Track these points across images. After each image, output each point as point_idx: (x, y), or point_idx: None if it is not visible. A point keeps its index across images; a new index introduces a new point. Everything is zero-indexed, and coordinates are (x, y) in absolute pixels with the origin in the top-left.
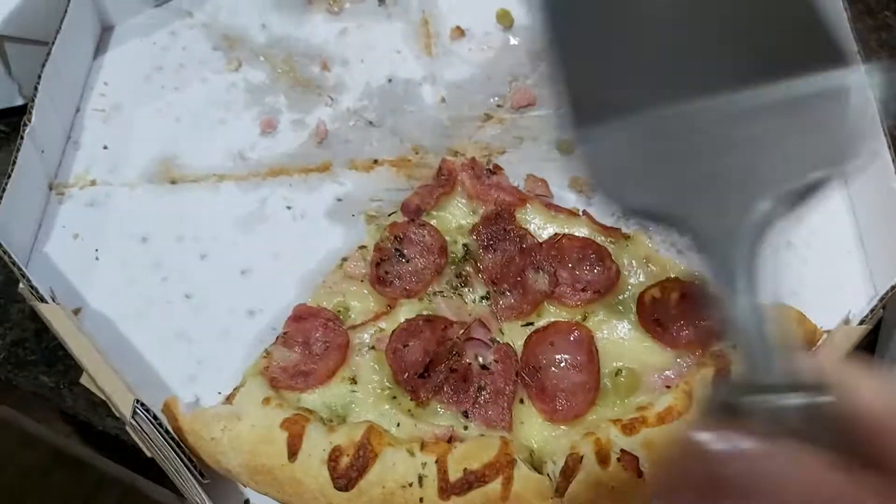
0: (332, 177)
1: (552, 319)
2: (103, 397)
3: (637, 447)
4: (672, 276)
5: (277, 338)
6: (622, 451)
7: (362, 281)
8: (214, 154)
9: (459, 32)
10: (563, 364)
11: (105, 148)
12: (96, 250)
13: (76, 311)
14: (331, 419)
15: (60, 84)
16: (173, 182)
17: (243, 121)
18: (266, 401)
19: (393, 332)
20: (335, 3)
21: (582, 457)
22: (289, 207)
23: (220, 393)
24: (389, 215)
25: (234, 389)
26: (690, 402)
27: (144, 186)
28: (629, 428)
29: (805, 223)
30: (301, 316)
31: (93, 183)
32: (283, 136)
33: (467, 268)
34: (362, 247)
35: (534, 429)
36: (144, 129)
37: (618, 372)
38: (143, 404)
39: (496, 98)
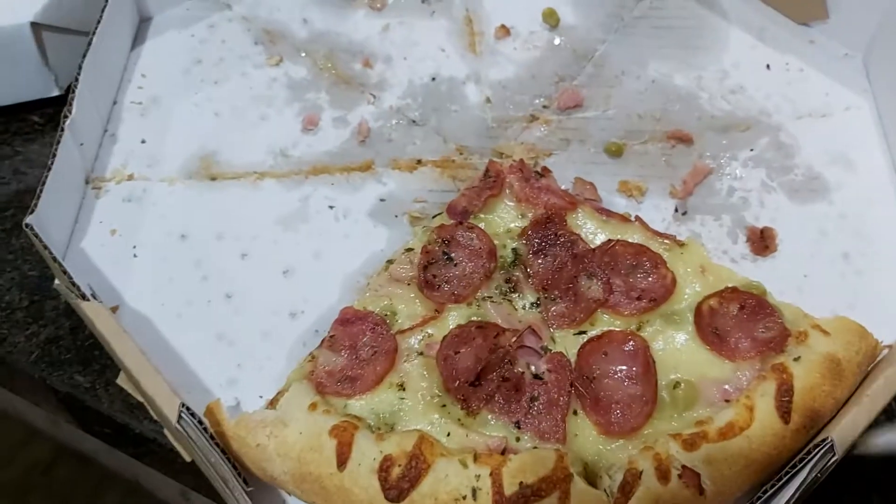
0: (375, 176)
1: (606, 328)
2: (141, 399)
3: (698, 463)
4: (730, 286)
5: (323, 341)
6: (684, 467)
7: (409, 284)
8: (255, 151)
9: (504, 31)
10: (618, 375)
11: (143, 142)
12: (134, 247)
13: (114, 310)
14: (378, 427)
15: (99, 75)
16: (213, 178)
17: (284, 117)
18: (312, 406)
19: (444, 338)
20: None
21: (641, 472)
22: (331, 207)
23: (261, 397)
24: (434, 217)
25: (278, 393)
26: (752, 417)
27: (183, 182)
28: (690, 443)
29: (860, 234)
30: (348, 319)
31: (130, 177)
32: (324, 133)
33: (517, 273)
34: (409, 249)
35: (588, 441)
36: (183, 124)
37: (676, 385)
38: (188, 408)
39: (542, 99)
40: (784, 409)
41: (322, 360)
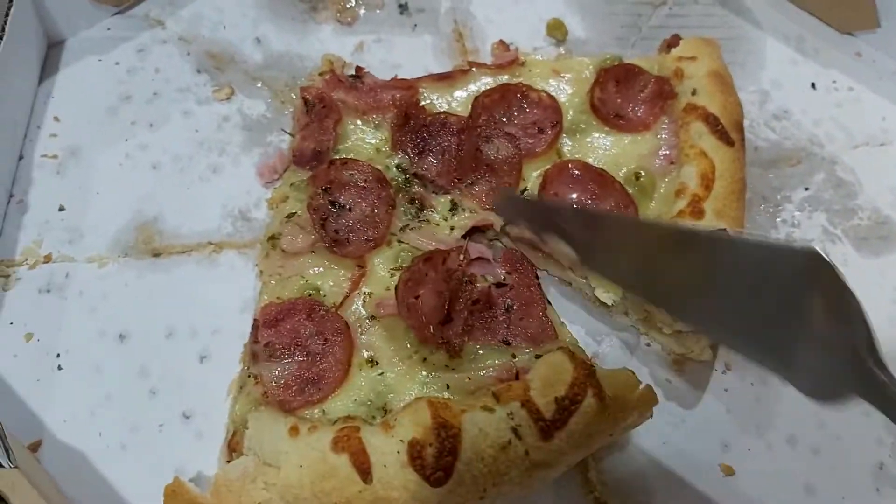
0: None
1: (537, 175)
2: None
3: (714, 220)
4: (590, 71)
5: (255, 354)
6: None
7: (313, 252)
8: (208, 214)
9: (503, 48)
10: (584, 203)
11: (61, 209)
12: (58, 356)
13: (34, 447)
14: (373, 416)
15: None
16: (156, 255)
17: (242, 167)
18: (293, 431)
19: (395, 288)
20: (346, 12)
21: None
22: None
23: None
24: (280, 178)
25: (232, 436)
26: (708, 158)
27: (118, 262)
28: (694, 212)
29: None
30: (275, 318)
31: (47, 259)
32: None
33: (415, 188)
34: (290, 215)
35: None
36: (112, 183)
37: (635, 176)
38: None
39: None
40: (723, 134)
41: (268, 375)
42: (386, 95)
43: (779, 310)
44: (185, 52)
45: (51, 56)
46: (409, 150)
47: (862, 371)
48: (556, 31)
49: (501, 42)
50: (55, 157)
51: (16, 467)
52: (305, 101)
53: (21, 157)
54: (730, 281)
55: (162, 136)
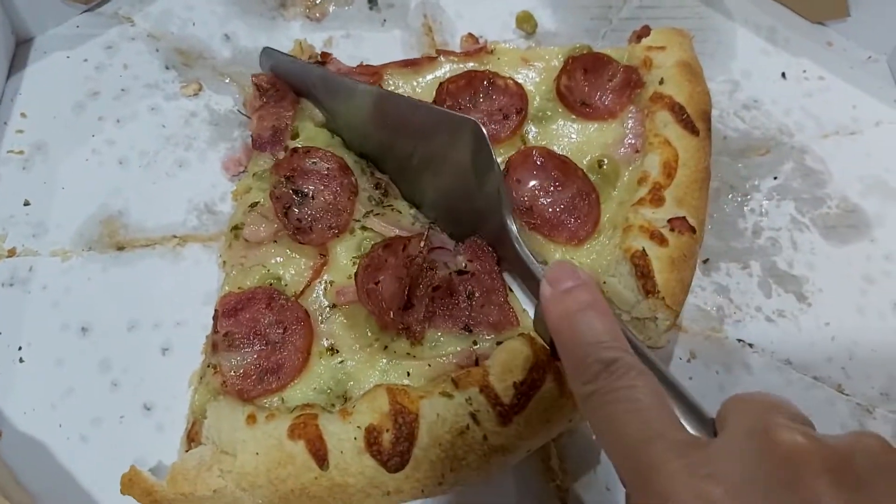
0: None
1: (498, 161)
2: None
3: (673, 210)
4: (559, 60)
5: (215, 344)
6: (669, 220)
7: (276, 241)
8: (173, 208)
9: (472, 41)
10: (546, 190)
11: (26, 204)
12: (19, 348)
13: None
14: (332, 403)
15: None
16: (120, 248)
17: (208, 162)
18: (250, 419)
19: (355, 275)
20: (315, 8)
21: (643, 249)
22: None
23: None
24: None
25: (192, 426)
26: (672, 147)
27: (81, 255)
28: (654, 200)
29: None
30: (234, 308)
31: (11, 253)
32: None
33: (378, 175)
34: (253, 204)
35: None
36: (77, 178)
37: (598, 164)
38: None
39: None
40: (688, 123)
41: (227, 364)
42: None
43: (463, 176)
44: (154, 48)
45: (19, 53)
46: None
47: (503, 228)
48: (525, 23)
49: (470, 35)
50: (21, 152)
51: None
52: (258, 87)
53: None
54: (423, 143)
55: (129, 131)
